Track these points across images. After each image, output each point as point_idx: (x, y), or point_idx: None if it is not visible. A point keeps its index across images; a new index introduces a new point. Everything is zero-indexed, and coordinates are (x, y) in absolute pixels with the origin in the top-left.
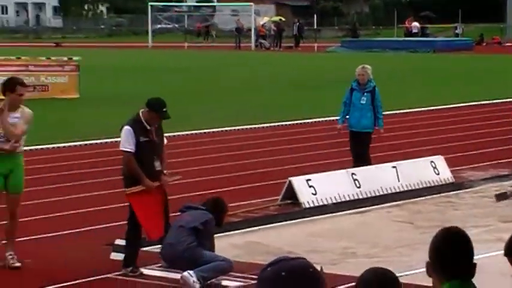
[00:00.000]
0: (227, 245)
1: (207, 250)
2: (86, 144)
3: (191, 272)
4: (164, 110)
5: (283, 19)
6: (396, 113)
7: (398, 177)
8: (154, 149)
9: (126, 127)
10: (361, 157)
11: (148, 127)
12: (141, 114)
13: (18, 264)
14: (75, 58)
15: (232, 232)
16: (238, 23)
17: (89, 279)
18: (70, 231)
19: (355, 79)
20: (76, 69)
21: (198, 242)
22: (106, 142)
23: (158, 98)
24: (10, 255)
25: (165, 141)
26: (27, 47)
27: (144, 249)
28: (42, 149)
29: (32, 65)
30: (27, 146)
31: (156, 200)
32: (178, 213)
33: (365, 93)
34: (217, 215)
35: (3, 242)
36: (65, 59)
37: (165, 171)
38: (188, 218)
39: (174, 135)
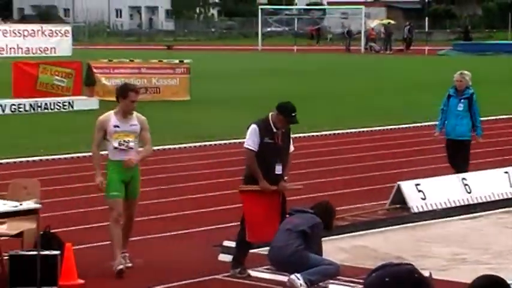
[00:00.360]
0: (334, 248)
1: (314, 254)
2: (196, 146)
3: (298, 274)
4: (293, 114)
5: (393, 22)
6: (509, 117)
7: (510, 183)
8: (277, 152)
9: (253, 125)
10: (458, 166)
11: (275, 130)
12: (270, 116)
13: (129, 264)
14: (186, 61)
15: (339, 236)
16: (345, 26)
17: (197, 280)
18: (179, 232)
19: (452, 85)
20: (187, 71)
21: (306, 246)
22: (217, 144)
23: (288, 102)
24: (124, 253)
25: (292, 148)
26: (140, 49)
27: (253, 251)
28: (153, 150)
29: (144, 67)
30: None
31: (271, 204)
32: (287, 216)
33: (462, 100)
34: (326, 219)
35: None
36: (176, 61)
37: (285, 178)
38: (296, 221)
39: None
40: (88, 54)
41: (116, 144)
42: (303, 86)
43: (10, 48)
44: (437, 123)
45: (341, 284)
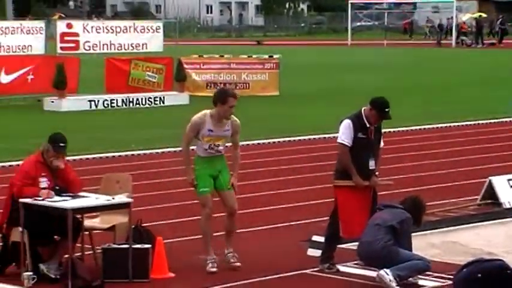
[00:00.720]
0: (425, 244)
1: (404, 249)
2: (285, 141)
3: (387, 270)
4: (386, 110)
5: (484, 15)
6: None
7: None
8: (370, 147)
9: (347, 120)
10: None
11: (368, 125)
12: (363, 111)
13: (238, 264)
14: (275, 56)
15: (430, 231)
16: (432, 20)
17: (285, 274)
18: (269, 226)
19: None
20: (276, 66)
21: (395, 241)
22: (308, 139)
23: (382, 97)
24: (230, 253)
25: (382, 144)
26: (230, 45)
27: (341, 246)
28: (242, 145)
29: (234, 62)
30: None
31: (363, 199)
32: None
33: None
34: (416, 214)
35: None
36: (266, 56)
37: (376, 173)
38: (385, 216)
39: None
40: (178, 50)
41: (206, 147)
42: (393, 80)
43: (103, 45)
44: None
45: (431, 280)
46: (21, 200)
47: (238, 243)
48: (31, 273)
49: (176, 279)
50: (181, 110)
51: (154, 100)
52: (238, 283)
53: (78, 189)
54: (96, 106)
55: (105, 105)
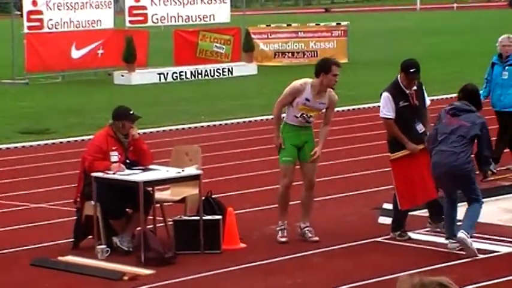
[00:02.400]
0: (497, 209)
1: (484, 156)
2: (355, 109)
3: (465, 232)
4: (411, 70)
5: None
6: None
7: None
8: (415, 112)
9: (385, 93)
10: (505, 142)
11: (407, 91)
12: (399, 78)
13: (316, 238)
14: (343, 23)
15: (503, 196)
16: None
17: (357, 243)
18: (340, 195)
19: (498, 52)
20: (344, 34)
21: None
22: (377, 106)
23: (410, 59)
24: (307, 227)
25: (428, 102)
26: (297, 13)
27: (413, 213)
28: None
29: (302, 31)
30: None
31: (421, 165)
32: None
33: (506, 68)
34: (478, 104)
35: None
36: (334, 24)
37: (427, 133)
38: (466, 124)
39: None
40: (246, 20)
41: (297, 115)
42: (467, 43)
43: (171, 17)
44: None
45: (505, 245)
46: (93, 174)
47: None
48: (104, 246)
49: (247, 249)
50: (249, 81)
51: (223, 71)
52: (309, 252)
53: (149, 162)
54: (165, 79)
55: (174, 78)
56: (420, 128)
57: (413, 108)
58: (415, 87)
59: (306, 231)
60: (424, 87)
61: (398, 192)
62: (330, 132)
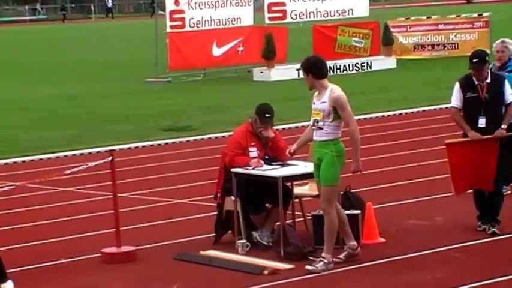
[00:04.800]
0: None
1: None
2: None
3: None
4: (474, 61)
5: None
6: None
7: None
8: (480, 105)
9: (456, 82)
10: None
11: (476, 82)
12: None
13: (310, 267)
14: (485, 14)
15: None
16: None
17: (496, 238)
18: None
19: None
20: (486, 25)
21: None
22: None
23: (477, 50)
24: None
25: (509, 99)
26: (437, 5)
27: None
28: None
29: (442, 23)
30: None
31: (484, 153)
32: None
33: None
34: None
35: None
36: (475, 15)
37: (503, 126)
38: None
39: None
40: (384, 14)
41: (310, 123)
42: None
43: (309, 13)
44: None
45: None
46: (232, 169)
47: (448, 207)
48: (245, 240)
49: (386, 244)
50: (388, 74)
51: (361, 65)
52: (448, 247)
53: (287, 158)
54: None
55: None
56: (482, 122)
57: (480, 100)
58: (488, 80)
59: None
60: (506, 83)
61: (451, 179)
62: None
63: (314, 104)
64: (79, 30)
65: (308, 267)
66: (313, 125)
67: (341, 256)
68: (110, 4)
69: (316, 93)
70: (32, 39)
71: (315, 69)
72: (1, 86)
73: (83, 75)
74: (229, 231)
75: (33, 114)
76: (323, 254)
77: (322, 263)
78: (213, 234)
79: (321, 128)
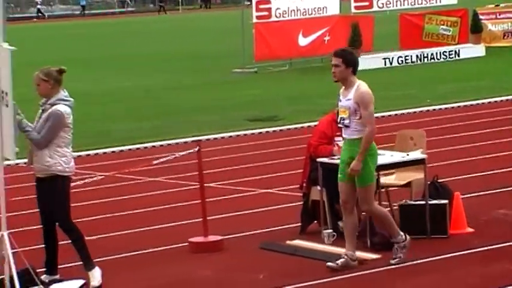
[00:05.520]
0: None
1: None
2: None
3: None
4: None
5: None
6: None
7: None
8: None
9: None
10: None
11: None
12: None
13: (393, 261)
14: None
15: None
16: None
17: None
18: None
19: None
20: None
21: None
22: None
23: None
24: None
25: None
26: None
27: None
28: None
29: None
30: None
31: None
32: None
33: None
34: None
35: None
36: None
37: None
38: None
39: None
40: (473, 1)
41: (338, 120)
42: None
43: (396, 1)
44: None
45: None
46: (318, 159)
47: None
48: (331, 230)
49: (475, 234)
50: (477, 63)
51: (449, 54)
52: None
53: None
54: (391, 63)
55: (400, 62)
56: None
57: None
58: None
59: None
60: None
61: None
62: None
63: (340, 101)
64: (166, 22)
65: (392, 261)
66: (340, 123)
67: (338, 262)
68: None
69: (342, 89)
70: (119, 31)
71: (356, 65)
72: (92, 78)
73: (170, 66)
74: (315, 221)
75: (122, 106)
76: (393, 240)
77: (399, 248)
78: (299, 224)
79: (348, 126)
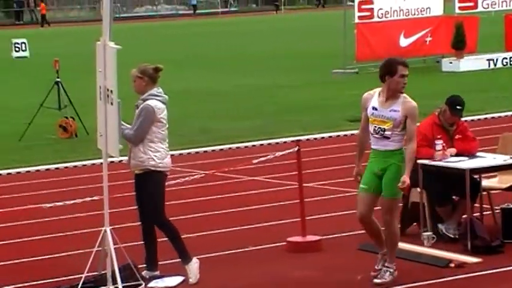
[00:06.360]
0: None
1: None
2: None
3: None
4: None
5: None
6: None
7: None
8: None
9: None
10: None
11: None
12: None
13: (379, 281)
14: None
15: None
16: None
17: None
18: None
19: None
20: None
21: None
22: None
23: None
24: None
25: None
26: None
27: None
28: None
29: None
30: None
31: None
32: None
33: None
34: None
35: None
36: None
37: None
38: None
39: None
40: None
41: (371, 130)
42: None
43: (502, 2)
44: None
45: None
46: (418, 161)
47: None
48: (430, 233)
49: None
50: None
51: None
52: None
53: (474, 150)
54: (495, 65)
55: (504, 64)
56: None
57: None
58: None
59: (381, 271)
60: None
61: None
62: None
63: (377, 110)
64: (266, 22)
65: (376, 280)
66: (377, 133)
67: (386, 277)
68: None
69: (380, 98)
70: (223, 31)
71: None
72: (194, 76)
73: (271, 66)
74: (415, 223)
75: (223, 105)
76: (387, 264)
77: (388, 273)
78: (399, 226)
79: (388, 138)
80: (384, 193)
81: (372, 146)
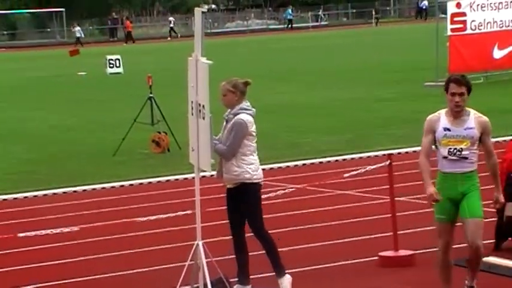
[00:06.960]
0: None
1: None
2: None
3: None
4: None
5: None
6: None
7: None
8: None
9: None
10: None
11: None
12: None
13: None
14: None
15: None
16: None
17: None
18: None
19: None
20: None
21: None
22: None
23: None
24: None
25: None
26: None
27: None
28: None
29: None
30: None
31: None
32: None
33: None
34: None
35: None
36: None
37: None
38: None
39: None
40: None
41: (445, 153)
42: None
43: None
44: None
45: None
46: None
47: None
48: None
49: None
50: None
51: None
52: None
53: None
54: None
55: None
56: None
57: None
58: None
59: None
60: None
61: None
62: None
63: (450, 130)
64: (358, 36)
65: None
66: (453, 155)
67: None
68: (424, 5)
69: (450, 118)
70: (315, 45)
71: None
72: (290, 90)
73: (364, 79)
74: (510, 238)
75: (315, 119)
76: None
77: None
78: (494, 240)
79: (466, 158)
80: (471, 215)
81: (445, 170)
